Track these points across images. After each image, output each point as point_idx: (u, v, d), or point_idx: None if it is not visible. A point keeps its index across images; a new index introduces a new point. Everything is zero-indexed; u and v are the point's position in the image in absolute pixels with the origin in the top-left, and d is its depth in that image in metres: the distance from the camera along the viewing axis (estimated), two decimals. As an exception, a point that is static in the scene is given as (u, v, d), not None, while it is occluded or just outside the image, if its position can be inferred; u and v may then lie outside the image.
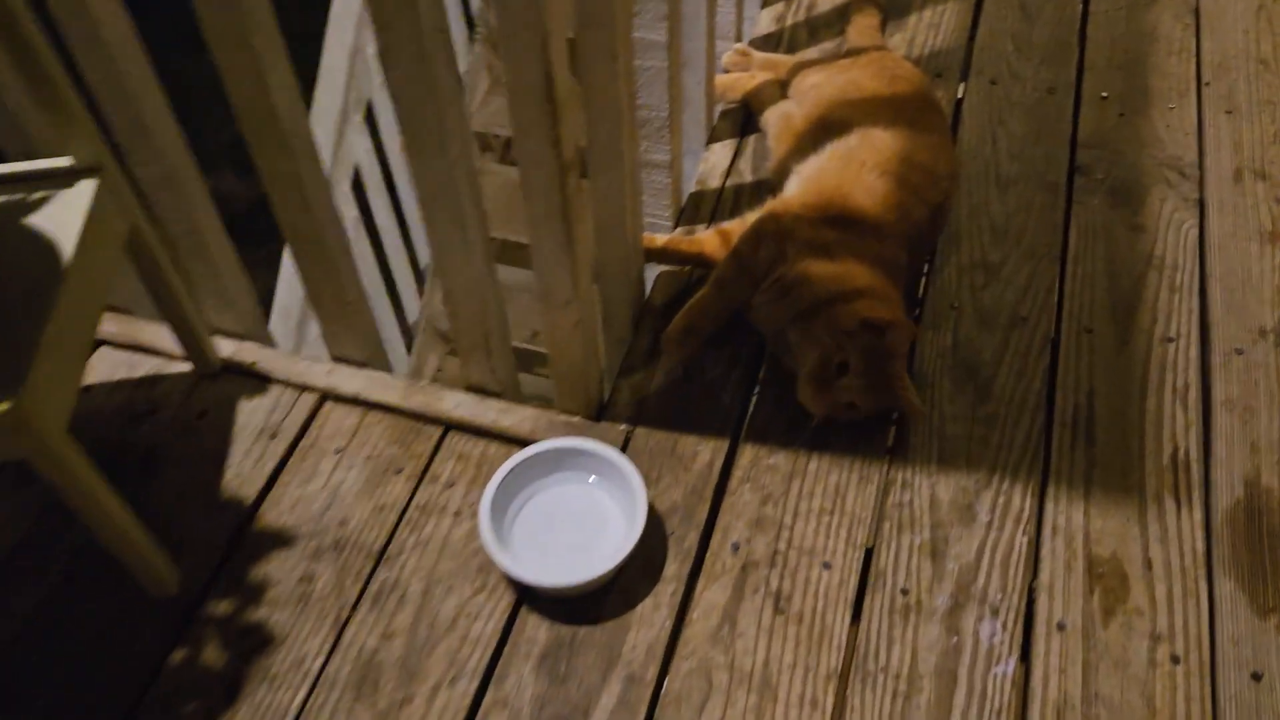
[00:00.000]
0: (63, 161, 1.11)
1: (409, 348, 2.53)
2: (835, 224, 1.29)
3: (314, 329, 2.15)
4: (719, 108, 1.70)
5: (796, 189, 1.38)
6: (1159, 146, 1.58)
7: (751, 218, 1.42)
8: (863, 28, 1.71)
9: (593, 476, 1.23)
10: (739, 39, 1.78)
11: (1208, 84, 1.67)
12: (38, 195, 1.10)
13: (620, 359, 1.38)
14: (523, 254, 1.99)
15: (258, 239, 1.56)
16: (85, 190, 1.10)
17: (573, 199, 1.04)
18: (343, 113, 2.24)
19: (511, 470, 1.20)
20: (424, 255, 2.59)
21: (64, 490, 1.01)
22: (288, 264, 2.24)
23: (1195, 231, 1.46)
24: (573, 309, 1.14)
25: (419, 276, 2.62)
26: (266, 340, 1.44)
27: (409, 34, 0.93)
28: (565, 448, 1.22)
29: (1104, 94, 1.67)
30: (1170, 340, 1.33)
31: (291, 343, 2.21)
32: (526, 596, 1.15)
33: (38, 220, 1.07)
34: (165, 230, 1.26)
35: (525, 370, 1.51)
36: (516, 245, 1.98)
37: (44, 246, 1.05)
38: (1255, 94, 1.65)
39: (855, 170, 1.34)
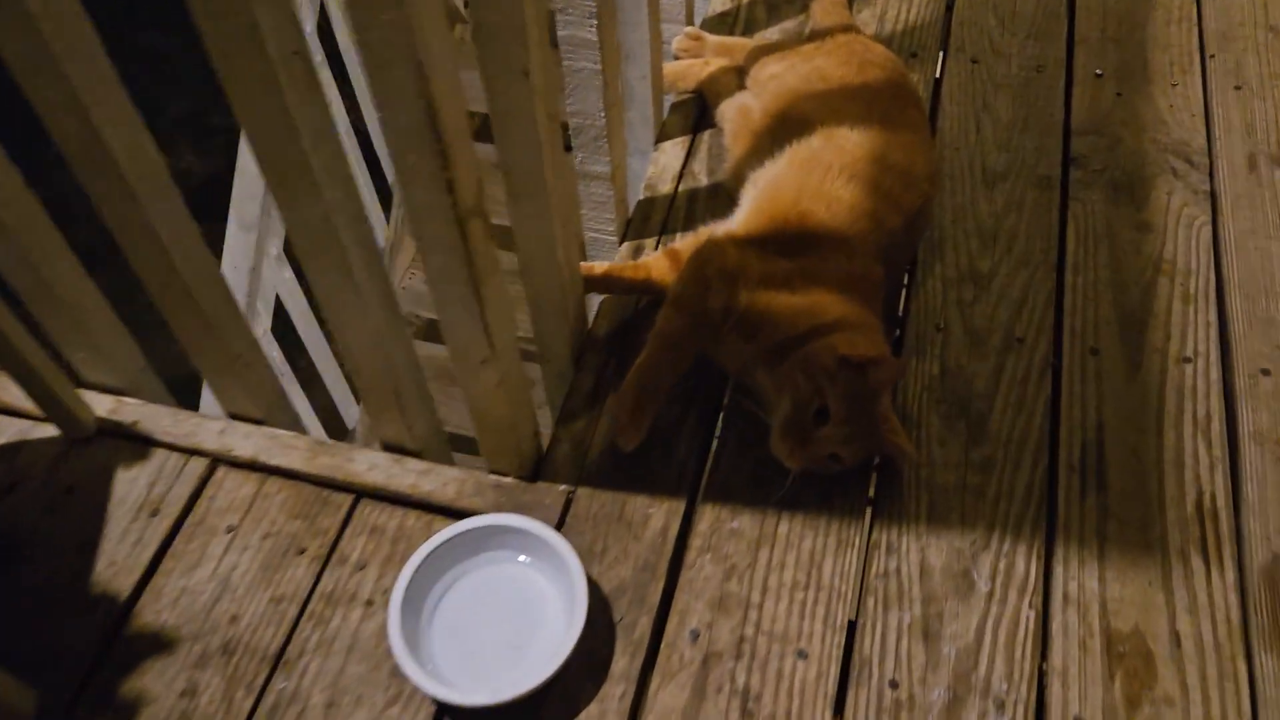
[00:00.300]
0: None
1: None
2: (793, 249, 1.11)
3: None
4: (669, 99, 1.50)
5: (747, 209, 1.19)
6: (1162, 130, 1.40)
7: (708, 234, 1.23)
8: (828, 5, 1.51)
9: (525, 556, 1.05)
10: (690, 21, 1.57)
11: (1212, 56, 1.49)
12: None
13: (561, 394, 1.20)
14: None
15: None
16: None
17: (480, 249, 0.85)
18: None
19: (429, 555, 1.02)
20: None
21: None
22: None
23: (1208, 229, 1.29)
24: (491, 368, 0.95)
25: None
26: (153, 393, 1.24)
27: (252, 60, 0.74)
28: (491, 525, 1.04)
29: (1098, 71, 1.48)
30: (1187, 360, 1.16)
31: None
32: (450, 708, 0.97)
33: None
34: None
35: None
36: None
37: None
38: (1266, 66, 1.47)
39: (819, 179, 1.15)
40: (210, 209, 1.30)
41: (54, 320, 1.11)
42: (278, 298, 2.25)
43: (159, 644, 1.03)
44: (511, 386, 1.01)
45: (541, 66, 0.90)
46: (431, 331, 2.52)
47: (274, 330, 2.25)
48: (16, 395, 1.21)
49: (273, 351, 2.09)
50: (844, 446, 1.02)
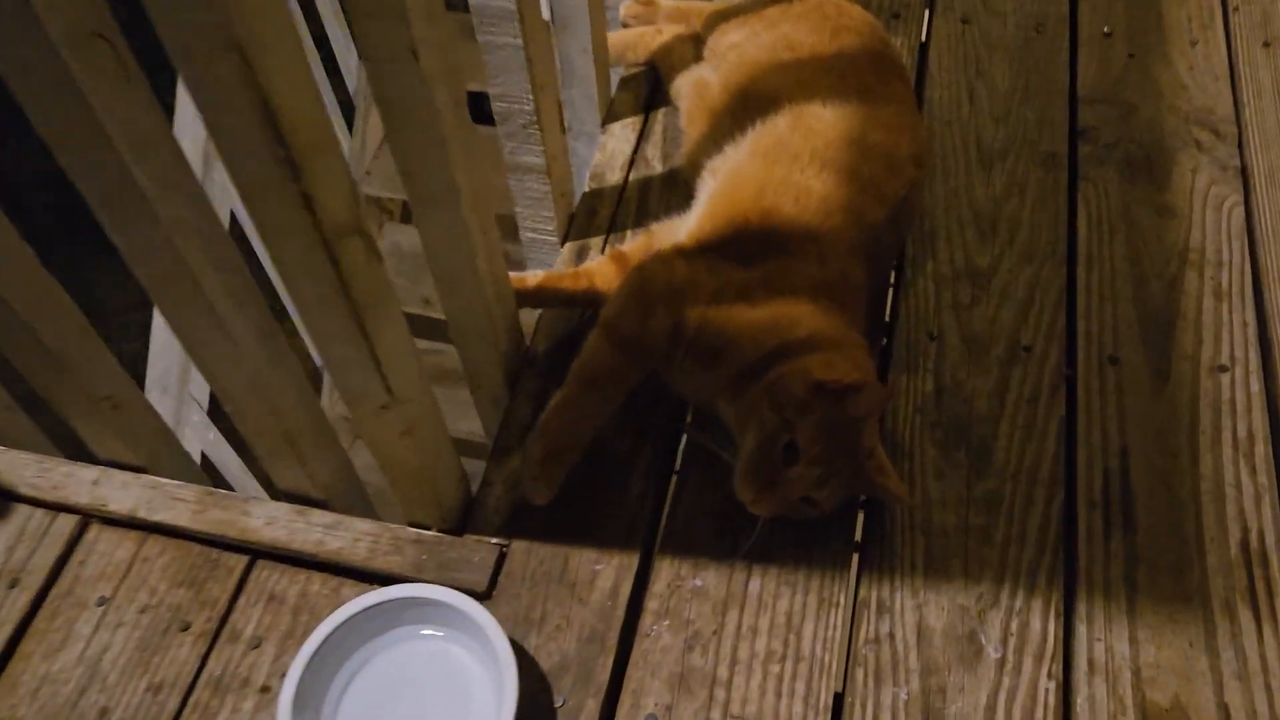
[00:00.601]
0: None
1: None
2: (757, 254, 0.93)
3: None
4: (618, 74, 1.32)
5: (703, 206, 1.01)
6: (1182, 96, 1.23)
7: (662, 234, 1.05)
8: (796, -42, 1.32)
9: (446, 630, 0.88)
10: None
11: (1236, 9, 1.32)
12: None
13: (495, 423, 1.03)
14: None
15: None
16: None
17: (359, 274, 0.67)
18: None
19: (329, 636, 0.85)
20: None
21: None
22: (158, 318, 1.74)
23: (1240, 211, 1.11)
24: (392, 415, 0.78)
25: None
26: (20, 436, 1.06)
27: (32, 48, 0.56)
28: (404, 598, 0.87)
29: (1106, 29, 1.30)
30: (1222, 369, 1.00)
31: (173, 420, 1.73)
32: (355, 825, 0.81)
33: None
34: None
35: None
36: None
37: None
38: (1296, 18, 1.30)
39: (786, 168, 0.98)
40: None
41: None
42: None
43: (12, 749, 0.87)
44: (423, 433, 0.83)
45: (435, 43, 0.72)
46: (407, 213, 2.28)
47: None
48: None
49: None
50: (819, 489, 0.85)
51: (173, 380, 1.67)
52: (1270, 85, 1.23)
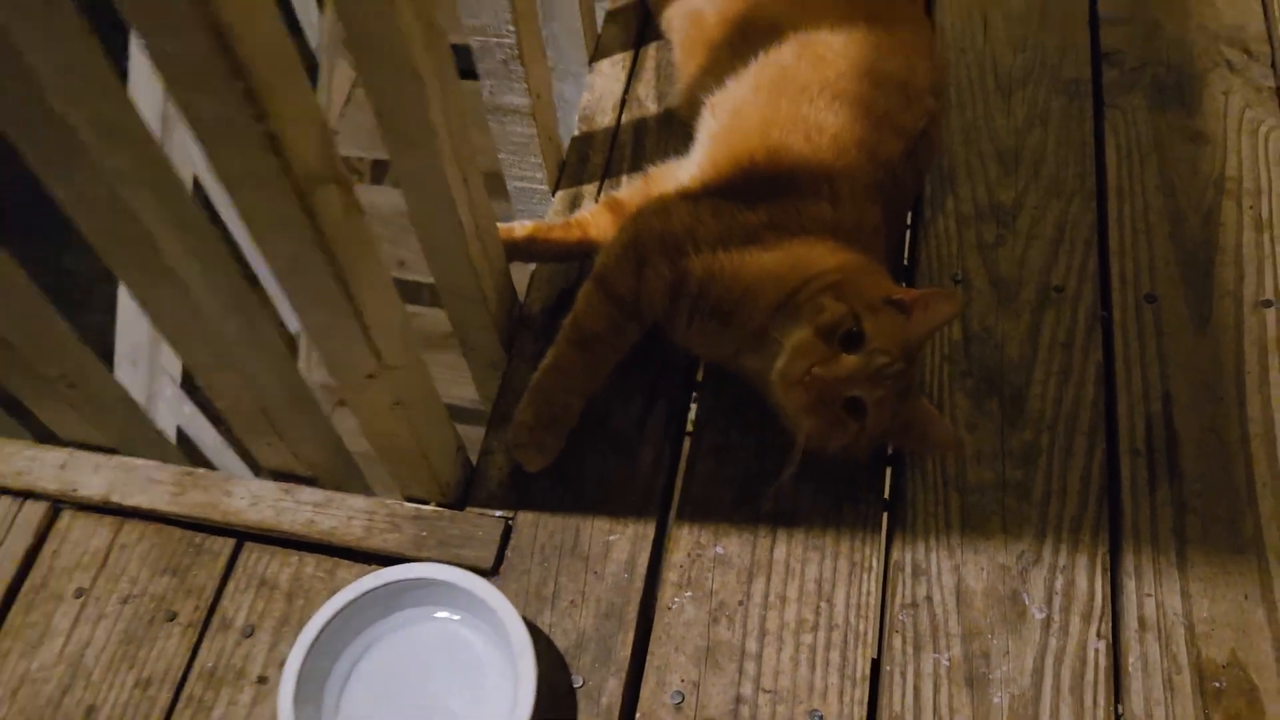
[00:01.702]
0: None
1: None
2: (760, 198, 0.86)
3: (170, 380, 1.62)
4: (604, 6, 1.23)
5: (703, 147, 0.94)
6: (1210, 11, 1.15)
7: (660, 178, 0.98)
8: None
9: (452, 611, 0.82)
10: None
11: (1262, -81, 1.24)
12: None
13: (494, 390, 0.96)
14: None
15: None
16: None
17: (339, 226, 0.59)
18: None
19: (329, 622, 0.79)
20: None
21: None
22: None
23: (1278, 135, 1.05)
24: (381, 384, 0.71)
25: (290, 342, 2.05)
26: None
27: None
28: (405, 579, 0.80)
29: (1125, -57, 1.23)
30: (1267, 304, 0.94)
31: (144, 395, 1.65)
32: (365, 824, 0.75)
33: None
34: None
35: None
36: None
37: None
38: (1326, -72, 1.22)
39: (792, 102, 0.90)
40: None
41: None
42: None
43: (-11, 754, 0.81)
44: (414, 402, 0.76)
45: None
46: (377, 173, 2.18)
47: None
48: None
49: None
50: (872, 389, 0.77)
51: (143, 353, 1.58)
52: (1303, 0, 1.15)
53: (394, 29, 0.63)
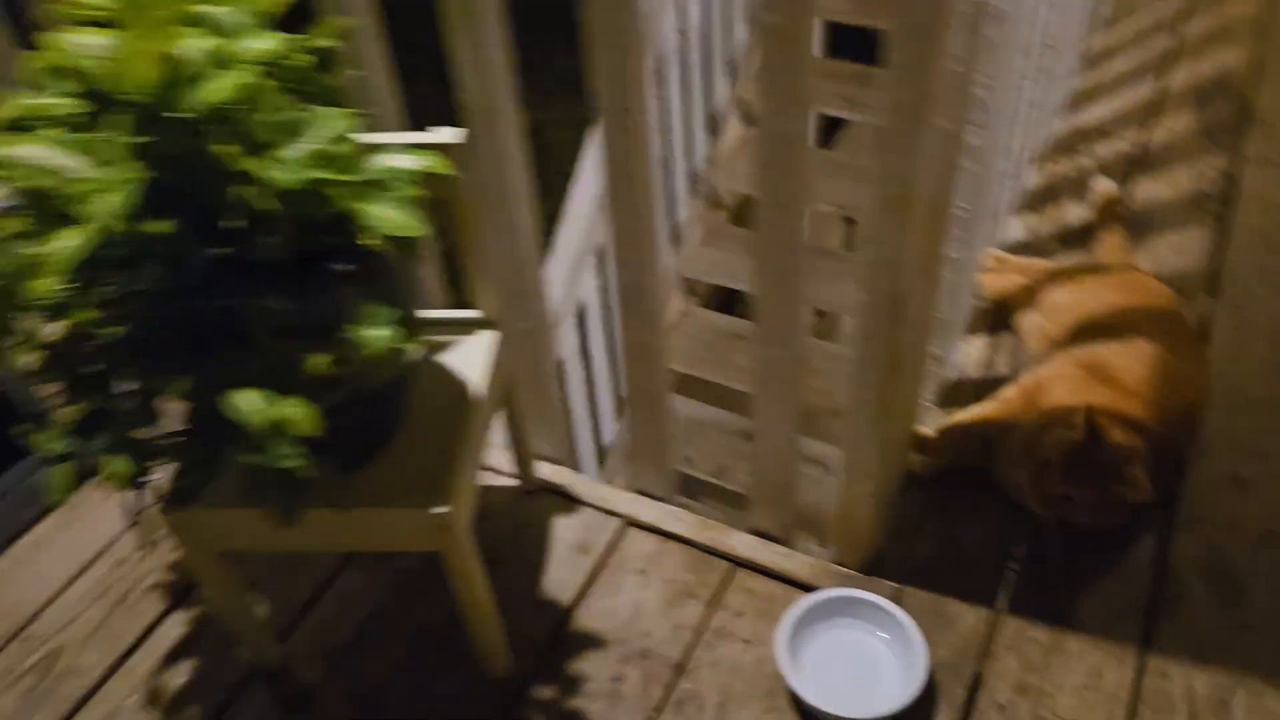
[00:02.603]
0: (472, 313, 1.40)
1: (601, 462, 2.60)
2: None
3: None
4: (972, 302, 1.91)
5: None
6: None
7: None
8: (1110, 245, 1.90)
9: (869, 625, 1.39)
10: (992, 243, 2.00)
11: None
12: (450, 338, 1.37)
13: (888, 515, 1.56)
14: (708, 390, 2.18)
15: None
16: (486, 338, 1.37)
17: (901, 358, 1.24)
18: (579, 254, 2.39)
19: (806, 609, 1.38)
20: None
21: (459, 574, 1.25)
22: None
23: None
24: (870, 483, 1.33)
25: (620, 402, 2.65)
26: (576, 466, 1.69)
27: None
28: (852, 598, 1.39)
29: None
30: None
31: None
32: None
33: (451, 359, 1.34)
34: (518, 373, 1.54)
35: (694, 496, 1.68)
36: (701, 382, 2.22)
37: (457, 380, 1.32)
38: None
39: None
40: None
41: (533, 401, 1.58)
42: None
43: (592, 641, 1.43)
44: (881, 501, 1.38)
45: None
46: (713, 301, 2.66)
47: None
48: (495, 458, 1.67)
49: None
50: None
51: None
52: None
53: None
